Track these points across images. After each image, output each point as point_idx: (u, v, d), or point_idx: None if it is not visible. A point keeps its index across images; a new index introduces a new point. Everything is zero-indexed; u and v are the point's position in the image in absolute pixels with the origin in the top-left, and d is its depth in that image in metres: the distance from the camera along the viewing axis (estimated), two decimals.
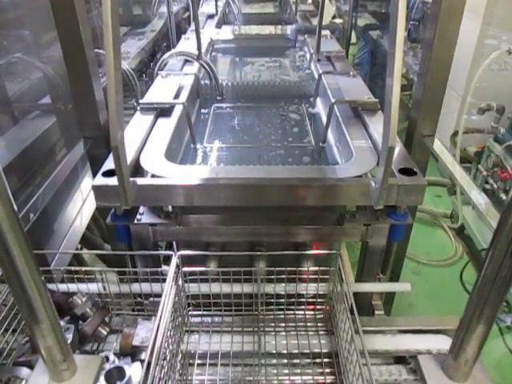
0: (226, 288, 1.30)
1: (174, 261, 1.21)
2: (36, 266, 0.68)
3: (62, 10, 1.45)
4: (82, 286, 1.28)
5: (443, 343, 1.19)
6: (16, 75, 1.96)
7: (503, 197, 2.89)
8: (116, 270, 1.30)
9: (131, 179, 1.10)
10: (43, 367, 0.80)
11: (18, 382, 1.05)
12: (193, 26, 3.11)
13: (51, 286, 1.27)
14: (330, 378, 1.17)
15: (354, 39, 5.02)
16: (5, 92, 1.88)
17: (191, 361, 1.23)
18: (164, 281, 1.18)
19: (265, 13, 4.63)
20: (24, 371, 1.05)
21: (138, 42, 3.19)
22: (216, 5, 3.83)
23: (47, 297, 0.72)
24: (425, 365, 0.86)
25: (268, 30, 3.34)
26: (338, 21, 4.61)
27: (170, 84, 2.03)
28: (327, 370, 1.20)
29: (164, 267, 1.37)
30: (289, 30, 3.25)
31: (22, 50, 1.95)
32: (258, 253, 1.40)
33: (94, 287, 1.29)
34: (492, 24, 3.37)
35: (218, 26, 3.53)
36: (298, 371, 1.20)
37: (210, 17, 3.68)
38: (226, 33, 3.25)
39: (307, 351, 1.24)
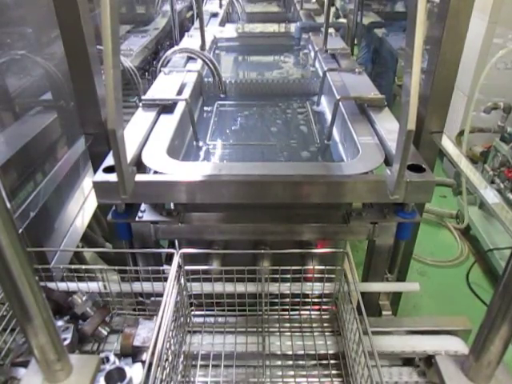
0: (229, 287, 1.27)
1: (176, 259, 1.18)
2: (26, 257, 0.65)
3: (64, 7, 1.43)
4: (83, 285, 1.26)
5: (453, 344, 1.16)
6: (18, 72, 1.94)
7: (510, 196, 2.85)
8: (117, 268, 1.27)
9: (130, 167, 1.07)
10: (37, 367, 0.77)
11: (15, 383, 1.02)
12: (196, 24, 3.10)
13: (51, 285, 1.24)
14: (336, 380, 1.14)
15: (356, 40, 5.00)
16: (6, 88, 1.85)
17: (194, 362, 1.20)
18: (166, 280, 1.15)
19: (269, 12, 4.62)
20: (22, 372, 1.02)
21: (141, 39, 3.17)
22: (220, 2, 3.81)
23: (39, 292, 0.69)
24: (443, 366, 0.82)
25: (272, 28, 3.32)
26: (342, 20, 4.59)
27: (173, 81, 2.01)
28: (334, 372, 1.16)
29: (166, 266, 1.35)
30: (293, 28, 3.23)
31: (24, 47, 1.93)
32: (262, 251, 1.37)
33: (94, 286, 1.27)
34: (498, 23, 3.33)
35: (222, 24, 3.51)
36: (304, 373, 1.16)
37: (214, 15, 3.67)
38: (230, 31, 3.23)
39: (313, 352, 1.20)
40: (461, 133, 3.36)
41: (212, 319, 1.31)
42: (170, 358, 1.04)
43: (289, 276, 1.25)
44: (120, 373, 1.01)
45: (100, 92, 1.59)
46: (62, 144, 1.99)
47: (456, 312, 2.68)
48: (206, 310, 1.32)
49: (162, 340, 0.98)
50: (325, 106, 2.20)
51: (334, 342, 1.24)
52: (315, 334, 1.27)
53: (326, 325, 1.30)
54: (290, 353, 1.21)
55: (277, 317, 1.32)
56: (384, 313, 1.47)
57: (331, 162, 1.69)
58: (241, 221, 1.44)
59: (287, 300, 1.30)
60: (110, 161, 1.34)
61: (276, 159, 1.77)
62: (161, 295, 1.12)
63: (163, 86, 1.95)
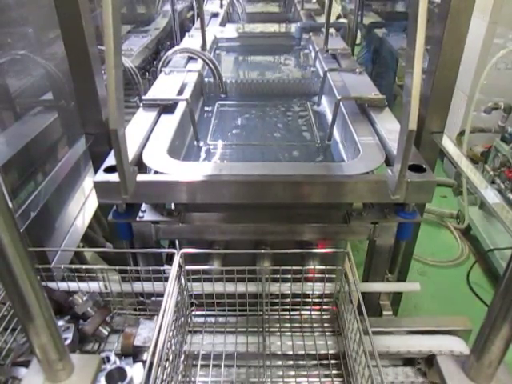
0: (229, 287, 1.27)
1: (177, 259, 1.18)
2: (28, 257, 0.65)
3: (65, 7, 1.43)
4: (83, 285, 1.26)
5: (454, 344, 1.16)
6: (19, 72, 1.94)
7: (511, 196, 2.85)
8: (118, 268, 1.27)
9: (132, 167, 1.07)
10: (38, 367, 0.77)
11: (16, 382, 1.02)
12: (197, 24, 3.10)
13: (52, 285, 1.24)
14: (337, 380, 1.14)
15: (358, 40, 5.00)
16: (7, 88, 1.86)
17: (194, 362, 1.20)
18: (166, 280, 1.15)
19: (269, 12, 4.62)
20: (23, 372, 1.02)
21: (142, 39, 3.17)
22: (221, 2, 3.81)
23: (41, 291, 0.69)
24: (444, 366, 0.82)
25: (272, 28, 3.33)
26: (343, 20, 4.59)
27: (174, 81, 2.01)
28: (334, 372, 1.16)
29: (166, 266, 1.35)
30: (293, 28, 3.23)
31: (25, 47, 1.93)
32: (263, 251, 1.37)
33: (95, 286, 1.27)
34: (499, 23, 3.33)
35: (222, 24, 3.51)
36: (305, 373, 1.16)
37: (214, 15, 3.67)
38: (230, 31, 3.23)
39: (313, 352, 1.21)
40: (461, 133, 3.36)
41: (213, 319, 1.31)
42: (171, 358, 1.04)
43: (289, 276, 1.25)
44: (121, 372, 1.01)
45: (101, 92, 1.59)
46: (63, 144, 1.99)
47: (456, 312, 2.68)
48: (207, 310, 1.32)
49: (163, 340, 0.98)
50: (325, 106, 2.20)
51: (335, 342, 1.24)
52: (316, 333, 1.27)
53: (326, 325, 1.30)
54: (291, 353, 1.21)
55: (277, 317, 1.32)
56: (384, 313, 1.47)
57: (332, 162, 1.69)
58: (241, 221, 1.44)
59: (288, 300, 1.30)
60: (110, 161, 1.34)
61: (276, 159, 1.77)
62: (161, 295, 1.12)
63: (164, 86, 1.95)
